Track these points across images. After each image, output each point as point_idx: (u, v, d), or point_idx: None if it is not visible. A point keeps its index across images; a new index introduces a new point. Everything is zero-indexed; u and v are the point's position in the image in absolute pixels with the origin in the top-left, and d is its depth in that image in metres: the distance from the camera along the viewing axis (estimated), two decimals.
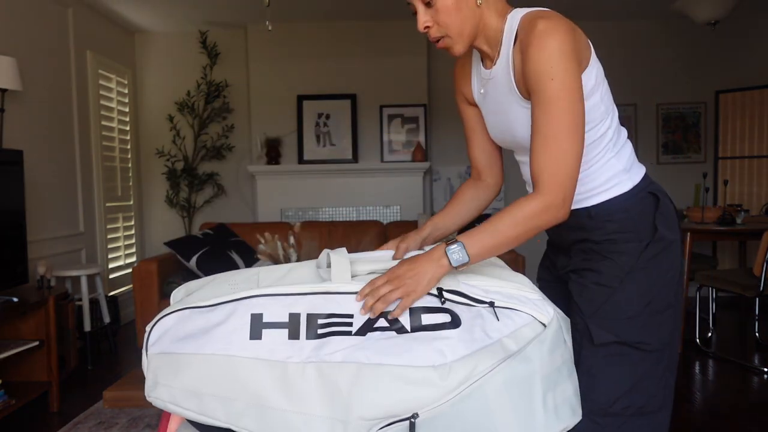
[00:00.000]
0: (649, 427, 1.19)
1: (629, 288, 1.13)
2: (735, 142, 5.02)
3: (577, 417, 1.01)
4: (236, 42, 5.02)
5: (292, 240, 2.79)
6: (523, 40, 1.07)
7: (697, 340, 3.69)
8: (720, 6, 3.88)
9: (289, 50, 4.92)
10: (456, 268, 1.02)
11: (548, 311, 1.05)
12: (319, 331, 0.98)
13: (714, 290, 3.69)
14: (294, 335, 0.98)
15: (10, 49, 3.32)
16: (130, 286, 4.61)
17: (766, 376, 3.15)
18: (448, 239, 1.07)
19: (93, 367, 3.53)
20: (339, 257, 1.05)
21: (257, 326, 0.98)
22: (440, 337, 0.98)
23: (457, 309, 1.03)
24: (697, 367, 3.31)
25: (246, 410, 0.96)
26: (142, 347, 1.05)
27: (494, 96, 1.20)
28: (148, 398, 1.01)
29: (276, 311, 1.00)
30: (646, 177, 1.24)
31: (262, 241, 2.71)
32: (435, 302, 1.02)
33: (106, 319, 3.83)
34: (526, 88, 1.08)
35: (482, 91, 1.23)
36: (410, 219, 4.79)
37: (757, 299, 3.43)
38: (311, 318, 0.99)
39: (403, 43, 4.90)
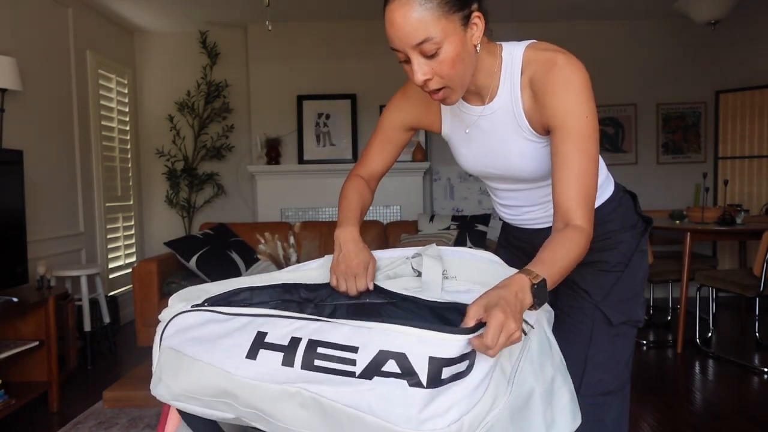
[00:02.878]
0: (627, 396, 1.28)
1: (633, 269, 1.24)
2: (735, 142, 5.02)
3: (576, 421, 1.00)
4: (236, 42, 5.02)
5: (292, 240, 2.79)
6: (538, 75, 1.06)
7: (697, 340, 3.69)
8: (720, 6, 3.88)
9: (289, 50, 4.92)
10: (533, 308, 0.92)
11: (530, 317, 0.95)
12: (317, 363, 0.87)
13: (714, 290, 3.70)
14: (288, 362, 0.89)
15: (10, 49, 3.32)
16: (130, 286, 4.61)
17: (766, 376, 3.15)
18: (529, 272, 0.92)
19: (93, 367, 3.53)
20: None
21: (257, 345, 0.93)
22: (456, 388, 0.83)
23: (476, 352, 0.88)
24: (697, 367, 3.31)
25: (252, 414, 0.94)
26: (154, 339, 1.04)
27: (489, 131, 1.17)
28: (152, 392, 1.01)
29: (280, 333, 0.93)
30: (615, 181, 1.35)
31: (262, 241, 2.71)
32: (456, 348, 0.83)
33: (106, 319, 3.83)
34: (542, 123, 1.09)
35: (467, 131, 1.21)
36: (410, 219, 4.79)
37: (757, 299, 3.43)
38: (311, 345, 0.89)
39: None
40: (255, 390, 0.91)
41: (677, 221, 3.90)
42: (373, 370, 0.83)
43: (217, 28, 4.96)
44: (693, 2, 3.96)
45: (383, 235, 4.26)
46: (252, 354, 0.92)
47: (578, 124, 1.03)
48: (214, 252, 3.75)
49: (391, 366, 0.82)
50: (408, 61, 1.02)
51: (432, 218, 4.24)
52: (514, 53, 1.10)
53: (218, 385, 0.94)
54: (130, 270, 4.63)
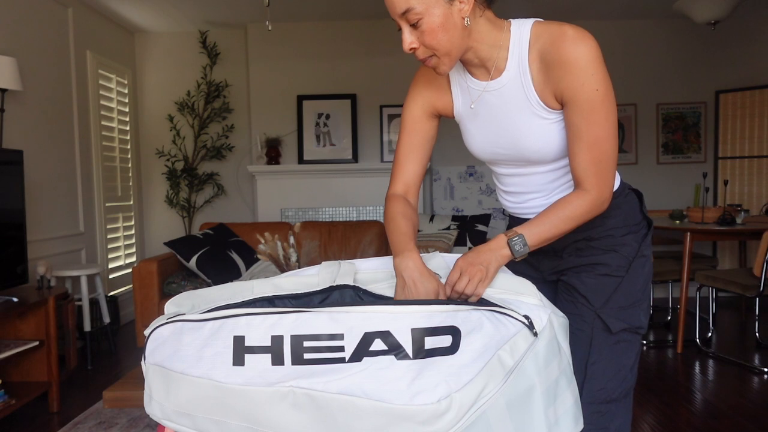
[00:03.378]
0: (630, 402, 1.27)
1: (634, 275, 1.22)
2: (735, 142, 5.02)
3: (579, 426, 1.00)
4: (236, 42, 5.02)
5: (292, 240, 2.79)
6: (547, 48, 1.07)
7: (697, 340, 3.69)
8: (720, 6, 3.88)
9: (289, 50, 4.92)
10: (516, 258, 1.09)
11: (541, 318, 1.01)
12: (306, 356, 0.90)
13: (714, 290, 3.69)
14: (278, 360, 0.90)
15: (10, 49, 3.32)
16: (130, 286, 4.61)
17: (766, 376, 3.15)
18: (509, 231, 1.11)
19: (93, 367, 3.53)
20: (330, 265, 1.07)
21: (239, 351, 0.93)
22: (442, 364, 0.90)
23: (459, 321, 0.95)
24: (697, 367, 3.31)
25: (242, 429, 0.93)
26: (143, 348, 1.05)
27: (498, 106, 1.18)
28: (146, 410, 1.02)
29: (258, 334, 0.93)
30: (621, 179, 1.34)
31: (262, 241, 2.71)
32: (440, 321, 0.93)
33: (106, 319, 3.83)
34: (555, 97, 1.10)
35: (472, 106, 1.21)
36: None
37: (757, 299, 3.43)
38: (295, 340, 0.91)
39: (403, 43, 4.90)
40: (247, 396, 0.91)
41: (677, 221, 3.90)
42: (361, 352, 0.89)
43: (217, 28, 4.96)
44: (693, 2, 3.96)
45: (383, 235, 4.26)
46: (238, 360, 0.93)
47: (589, 95, 1.06)
48: (214, 252, 3.75)
49: (377, 345, 0.89)
50: (401, 30, 1.09)
51: (432, 218, 4.24)
52: (522, 28, 1.12)
53: (210, 398, 0.94)
54: (130, 270, 4.63)
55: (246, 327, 0.95)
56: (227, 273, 3.67)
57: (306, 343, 0.91)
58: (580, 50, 1.04)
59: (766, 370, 3.22)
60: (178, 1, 4.28)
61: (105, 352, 3.84)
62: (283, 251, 2.69)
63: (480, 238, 4.03)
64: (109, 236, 4.43)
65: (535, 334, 0.98)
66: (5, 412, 2.51)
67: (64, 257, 3.83)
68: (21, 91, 3.26)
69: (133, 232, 4.86)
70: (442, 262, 1.16)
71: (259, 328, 0.94)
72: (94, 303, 3.82)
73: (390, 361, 0.88)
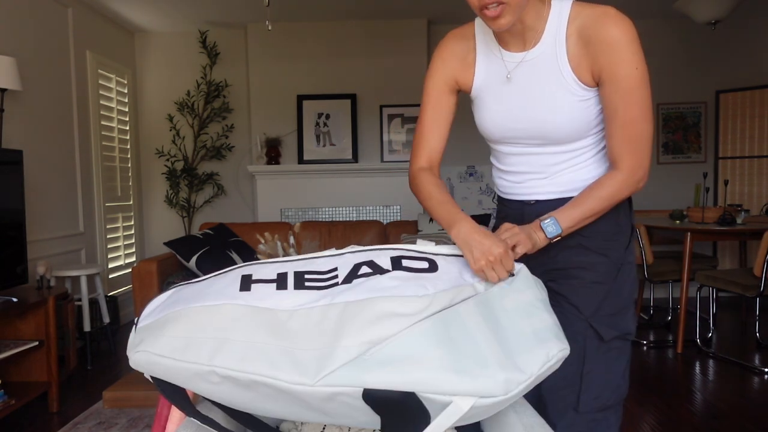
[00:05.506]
0: (621, 410, 1.28)
1: (622, 281, 1.22)
2: (735, 142, 5.02)
3: (563, 344, 0.95)
4: (236, 42, 5.02)
5: (292, 240, 2.78)
6: (588, 26, 1.10)
7: (697, 340, 3.69)
8: (720, 6, 3.87)
9: (289, 50, 4.92)
10: (551, 240, 1.13)
11: (517, 265, 1.06)
12: (307, 284, 1.00)
13: (714, 290, 3.69)
14: (282, 287, 0.99)
15: (10, 49, 3.32)
16: (130, 286, 4.61)
17: (766, 376, 3.15)
18: (544, 216, 1.14)
19: (93, 367, 3.53)
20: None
21: (247, 282, 1.01)
22: (420, 278, 0.99)
23: (436, 258, 1.06)
24: (697, 367, 3.31)
25: (232, 348, 0.90)
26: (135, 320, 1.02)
27: (527, 79, 1.18)
28: (131, 359, 0.94)
29: (265, 272, 1.03)
30: None
31: (262, 241, 2.71)
32: (415, 253, 1.06)
33: (106, 319, 3.83)
34: (592, 74, 1.11)
35: (508, 75, 1.20)
36: (410, 219, 4.79)
37: (758, 299, 3.43)
38: (298, 274, 1.02)
39: (403, 43, 4.90)
40: (253, 313, 0.94)
41: (677, 221, 3.89)
42: (351, 276, 1.01)
43: (217, 28, 4.96)
44: (693, 2, 3.95)
45: (383, 235, 4.26)
46: (245, 287, 0.99)
47: (627, 74, 1.07)
48: (214, 252, 3.75)
49: (364, 269, 1.02)
50: None
51: (432, 218, 4.24)
52: (563, 5, 1.14)
53: (214, 319, 0.93)
54: (129, 270, 4.63)
55: (253, 269, 1.04)
56: None
57: (307, 276, 1.01)
58: (623, 29, 1.07)
59: (766, 370, 3.22)
60: (178, 1, 4.27)
61: (105, 352, 3.84)
62: (283, 251, 2.69)
63: None
64: (108, 236, 4.43)
65: (512, 274, 1.03)
66: (5, 412, 2.51)
67: (64, 257, 3.83)
68: (21, 91, 3.26)
69: (132, 232, 4.86)
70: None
71: (266, 269, 1.03)
72: (93, 303, 3.82)
73: (375, 276, 1.00)
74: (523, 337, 0.92)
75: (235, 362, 0.88)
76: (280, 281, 1.00)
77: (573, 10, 1.13)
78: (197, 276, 3.70)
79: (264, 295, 0.97)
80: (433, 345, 0.87)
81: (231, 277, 1.03)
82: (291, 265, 1.05)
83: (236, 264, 3.79)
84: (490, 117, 1.25)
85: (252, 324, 0.92)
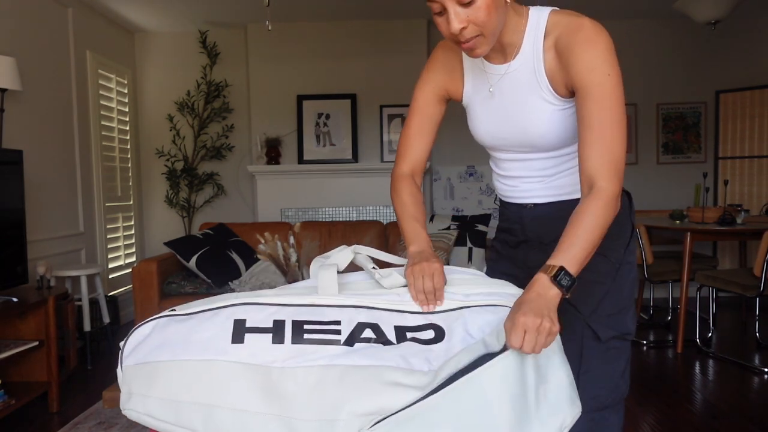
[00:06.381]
0: (622, 409, 1.26)
1: (621, 282, 1.22)
2: (735, 142, 5.02)
3: (576, 408, 0.96)
4: (236, 42, 5.02)
5: (292, 240, 2.78)
6: (563, 36, 1.09)
7: (697, 340, 3.69)
8: (720, 6, 3.87)
9: (289, 50, 4.92)
10: (567, 295, 0.98)
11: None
12: (306, 336, 0.95)
13: (714, 290, 3.69)
14: (278, 340, 0.94)
15: (10, 49, 3.32)
16: (130, 286, 4.61)
17: (766, 376, 3.15)
18: (545, 268, 0.99)
19: (93, 367, 3.53)
20: (326, 271, 1.04)
21: (240, 331, 0.95)
22: (427, 350, 0.96)
23: (439, 320, 1.01)
24: (697, 367, 3.31)
25: (227, 418, 0.90)
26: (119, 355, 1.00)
27: (509, 91, 1.19)
28: (123, 411, 0.95)
29: (260, 318, 0.97)
30: None
31: (262, 241, 2.71)
32: (418, 321, 1.01)
33: (106, 319, 3.83)
34: (565, 84, 1.11)
35: (491, 89, 1.22)
36: None
37: (757, 299, 3.43)
38: (297, 324, 0.96)
39: (403, 43, 4.90)
40: (246, 372, 0.90)
41: (677, 221, 3.89)
42: (354, 339, 0.96)
43: (217, 28, 4.96)
44: (693, 2, 3.95)
45: (383, 235, 4.26)
46: (237, 339, 0.94)
47: (600, 81, 1.05)
48: (214, 252, 3.75)
49: (367, 333, 0.98)
50: (442, 12, 1.05)
51: (432, 218, 4.24)
52: (540, 15, 1.14)
53: (204, 378, 0.91)
54: (130, 270, 4.62)
55: (246, 313, 0.98)
56: (227, 273, 3.67)
57: (306, 327, 0.96)
58: (596, 39, 1.07)
59: (766, 370, 3.22)
60: (178, 1, 4.27)
61: (105, 352, 3.84)
62: (283, 251, 2.69)
63: (480, 238, 4.03)
64: (109, 236, 4.43)
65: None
66: (5, 412, 2.51)
67: (64, 257, 3.83)
68: (21, 91, 3.26)
69: (133, 232, 4.86)
70: (398, 280, 1.11)
71: (261, 314, 0.97)
72: (93, 303, 3.82)
73: (378, 346, 0.96)
74: (540, 406, 0.91)
75: None
76: (277, 332, 0.95)
77: (550, 20, 1.12)
78: (197, 276, 3.70)
79: (258, 350, 0.93)
80: (441, 421, 0.85)
81: (221, 319, 0.97)
82: (289, 312, 0.99)
83: (236, 263, 3.74)
84: (480, 126, 1.27)
85: (245, 386, 0.90)
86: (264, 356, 0.92)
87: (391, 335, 0.98)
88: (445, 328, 1.00)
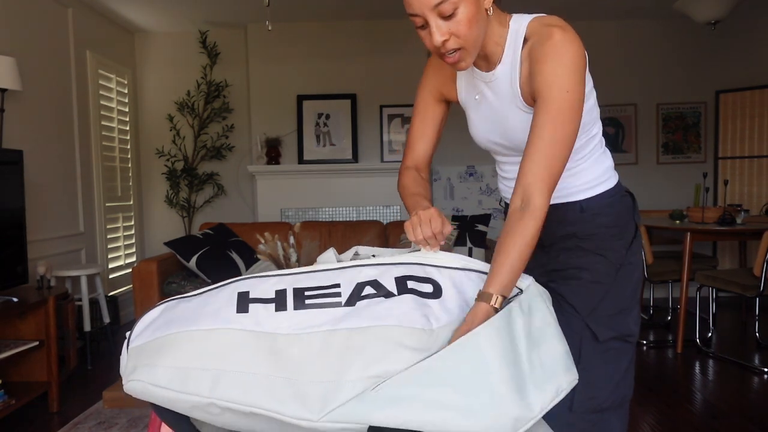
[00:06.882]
0: (626, 414, 1.25)
1: (622, 283, 1.21)
2: (735, 142, 5.02)
3: (571, 374, 0.95)
4: (236, 42, 5.02)
5: (292, 240, 2.78)
6: (535, 46, 1.08)
7: (697, 340, 3.69)
8: (720, 6, 3.88)
9: (289, 50, 4.92)
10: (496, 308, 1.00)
11: (524, 278, 1.06)
12: (308, 302, 0.97)
13: (714, 290, 3.69)
14: (281, 308, 0.97)
15: (10, 49, 3.32)
16: (130, 286, 4.61)
17: (766, 376, 3.15)
18: (485, 296, 1.00)
19: (93, 367, 3.53)
20: (325, 252, 1.09)
21: (244, 301, 0.98)
22: (425, 305, 0.98)
23: (440, 278, 1.04)
24: (697, 367, 3.31)
25: (234, 381, 0.90)
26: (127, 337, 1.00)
27: (493, 98, 1.20)
28: (125, 386, 0.94)
29: (262, 289, 1.00)
30: (619, 179, 1.34)
31: (262, 241, 2.71)
32: (419, 272, 1.04)
33: (106, 319, 3.83)
34: (530, 92, 1.10)
35: (477, 96, 1.23)
36: None
37: (757, 299, 3.43)
38: (298, 291, 0.99)
39: (403, 43, 4.90)
40: (252, 339, 0.92)
41: (677, 221, 3.89)
42: (354, 299, 0.98)
43: (217, 28, 4.96)
44: (693, 2, 3.96)
45: (383, 235, 4.26)
46: (242, 308, 0.96)
47: (557, 95, 1.04)
48: (214, 252, 3.75)
49: (368, 290, 0.99)
50: (424, 26, 1.05)
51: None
52: (520, 23, 1.13)
53: (212, 346, 0.92)
54: (130, 270, 4.63)
55: (250, 285, 1.01)
56: (227, 273, 3.67)
57: (307, 293, 0.98)
58: (561, 52, 1.04)
59: (766, 370, 3.22)
60: (178, 1, 4.28)
61: (105, 352, 3.84)
62: (283, 251, 2.69)
63: (480, 238, 4.03)
64: (109, 236, 4.43)
65: (520, 290, 1.02)
66: (5, 412, 2.51)
67: (64, 257, 3.83)
68: (21, 91, 3.26)
69: (133, 232, 4.86)
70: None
71: (263, 285, 1.00)
72: (94, 303, 3.82)
73: (379, 300, 0.98)
74: (535, 370, 0.91)
75: (237, 395, 0.88)
76: (279, 300, 0.97)
77: (528, 29, 1.12)
78: (197, 276, 3.70)
79: (262, 318, 0.95)
80: (442, 382, 0.86)
81: (227, 293, 1.00)
82: (290, 279, 1.02)
83: (236, 263, 3.75)
84: (474, 129, 1.29)
85: (251, 351, 0.91)
86: (269, 324, 0.94)
87: (392, 286, 1.00)
88: (441, 285, 1.02)
